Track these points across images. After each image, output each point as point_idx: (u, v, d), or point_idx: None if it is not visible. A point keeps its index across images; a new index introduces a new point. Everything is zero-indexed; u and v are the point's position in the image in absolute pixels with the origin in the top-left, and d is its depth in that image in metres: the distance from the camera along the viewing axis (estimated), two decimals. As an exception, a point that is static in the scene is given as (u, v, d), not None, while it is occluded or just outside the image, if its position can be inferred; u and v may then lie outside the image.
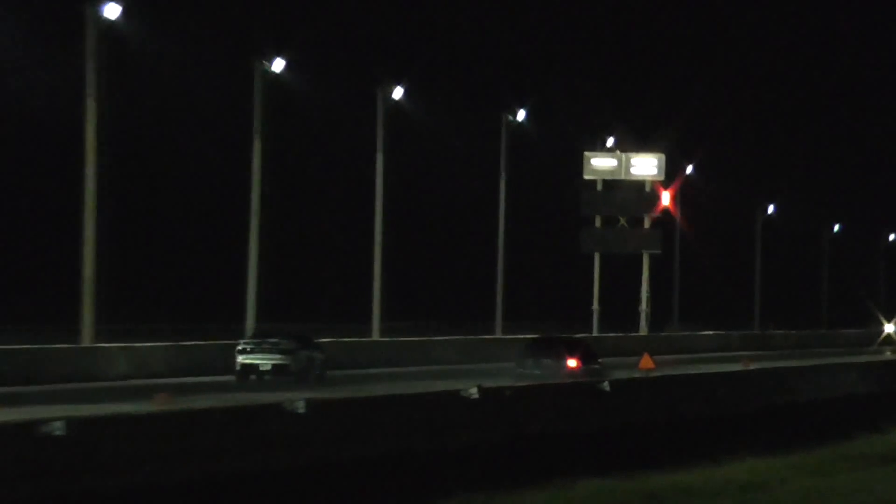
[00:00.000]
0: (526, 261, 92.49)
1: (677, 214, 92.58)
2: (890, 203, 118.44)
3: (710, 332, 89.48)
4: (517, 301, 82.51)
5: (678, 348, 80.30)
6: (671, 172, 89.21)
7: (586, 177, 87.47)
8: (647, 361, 51.26)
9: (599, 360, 49.33)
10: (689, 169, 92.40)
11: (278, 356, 46.15)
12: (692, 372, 45.39)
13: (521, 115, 77.22)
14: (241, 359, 46.33)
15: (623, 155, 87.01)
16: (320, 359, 48.09)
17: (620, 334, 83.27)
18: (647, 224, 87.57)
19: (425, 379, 48.03)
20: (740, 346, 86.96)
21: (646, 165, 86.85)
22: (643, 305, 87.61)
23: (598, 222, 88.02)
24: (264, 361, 46.01)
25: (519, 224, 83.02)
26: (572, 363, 47.77)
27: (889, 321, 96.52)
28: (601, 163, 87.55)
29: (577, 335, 63.26)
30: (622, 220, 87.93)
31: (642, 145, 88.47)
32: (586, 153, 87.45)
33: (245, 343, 47.66)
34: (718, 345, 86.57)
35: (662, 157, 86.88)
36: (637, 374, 45.42)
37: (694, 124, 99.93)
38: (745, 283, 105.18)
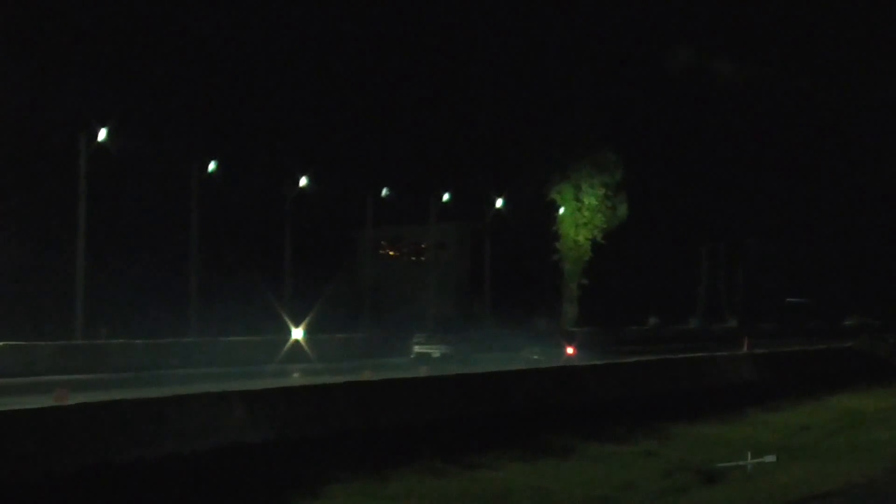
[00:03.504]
0: None
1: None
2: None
3: (9, 344, 55.68)
4: None
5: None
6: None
7: None
8: None
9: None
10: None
11: (444, 346, 64.78)
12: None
13: None
14: (417, 348, 64.95)
15: None
16: (470, 349, 65.55)
17: None
18: None
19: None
20: (57, 365, 55.09)
21: None
22: None
23: None
24: (434, 350, 64.51)
25: None
26: (569, 350, 64.76)
27: (297, 326, 66.17)
28: None
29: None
30: None
31: None
32: None
33: (419, 337, 66.33)
34: (19, 362, 54.26)
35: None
36: None
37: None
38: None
